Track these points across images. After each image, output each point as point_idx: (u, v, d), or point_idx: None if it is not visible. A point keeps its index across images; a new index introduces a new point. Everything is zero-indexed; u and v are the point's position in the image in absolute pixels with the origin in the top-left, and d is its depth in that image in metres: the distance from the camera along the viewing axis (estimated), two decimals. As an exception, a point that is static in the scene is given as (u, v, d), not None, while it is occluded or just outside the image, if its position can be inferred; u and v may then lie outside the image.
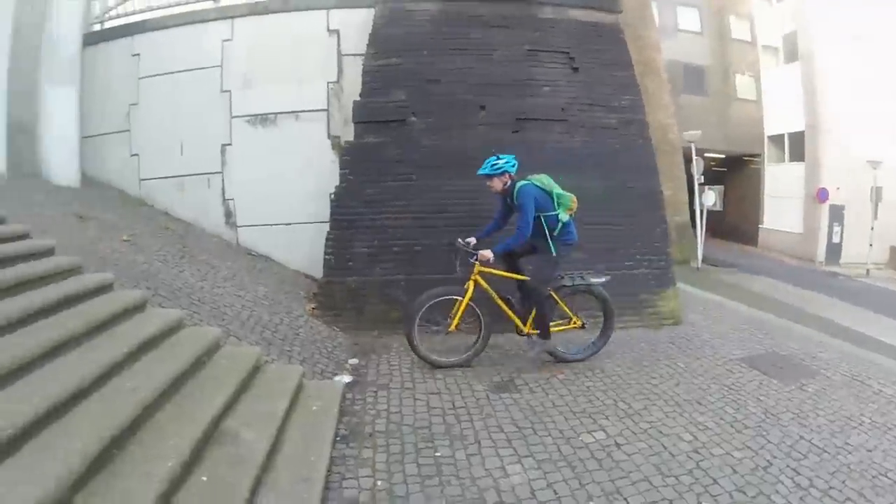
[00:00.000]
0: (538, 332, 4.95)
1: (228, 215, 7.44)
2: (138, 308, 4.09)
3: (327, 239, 6.24)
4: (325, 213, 6.47)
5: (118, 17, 8.42)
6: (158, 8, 8.11)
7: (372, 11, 6.93)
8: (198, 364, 3.60)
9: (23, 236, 4.62)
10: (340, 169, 6.38)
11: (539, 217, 4.65)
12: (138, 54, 7.75)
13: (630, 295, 6.20)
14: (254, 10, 7.41)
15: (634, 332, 6.01)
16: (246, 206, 7.38)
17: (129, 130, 7.77)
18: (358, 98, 6.55)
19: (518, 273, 4.95)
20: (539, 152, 6.26)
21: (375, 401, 4.20)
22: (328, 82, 7.18)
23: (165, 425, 2.80)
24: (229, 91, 7.32)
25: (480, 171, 4.81)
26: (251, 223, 7.39)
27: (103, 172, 7.91)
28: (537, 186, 4.71)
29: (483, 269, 4.79)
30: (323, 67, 7.18)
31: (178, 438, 2.68)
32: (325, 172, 6.86)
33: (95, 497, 2.19)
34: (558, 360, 5.06)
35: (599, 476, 3.19)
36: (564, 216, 4.72)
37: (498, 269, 4.89)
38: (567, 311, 5.07)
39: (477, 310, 4.88)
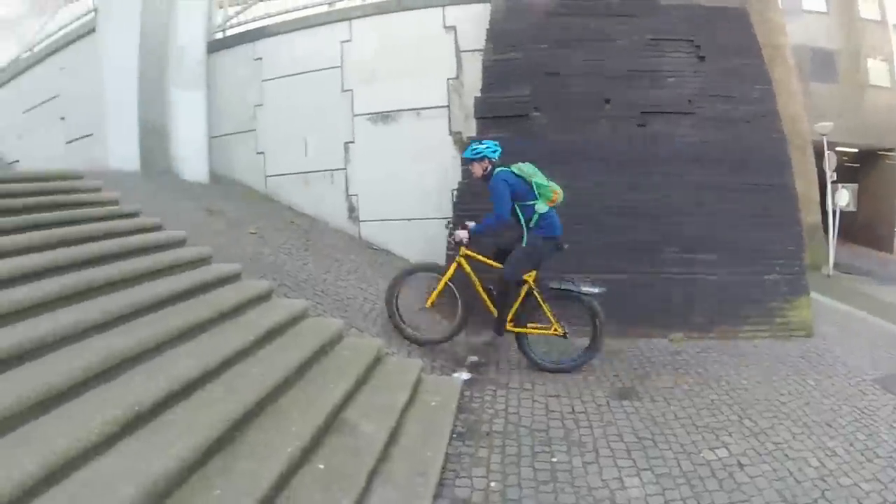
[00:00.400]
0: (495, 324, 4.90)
1: (351, 210, 7.71)
2: (264, 298, 4.31)
3: (448, 235, 6.24)
4: (447, 208, 6.62)
5: (239, 24, 8.98)
6: (277, 14, 8.60)
7: (488, 6, 6.96)
8: (321, 353, 3.72)
9: (156, 228, 4.98)
10: (462, 165, 6.42)
11: (514, 205, 4.58)
12: (261, 58, 8.21)
13: (758, 302, 5.87)
14: (370, 11, 7.67)
15: (762, 344, 5.64)
16: (368, 201, 7.63)
17: (254, 130, 8.25)
18: (478, 94, 6.59)
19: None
20: (667, 147, 6.10)
21: (494, 400, 4.19)
22: (448, 79, 7.28)
23: (287, 411, 2.92)
24: (351, 90, 7.61)
25: (463, 154, 4.95)
26: (373, 218, 7.62)
27: (231, 170, 8.42)
28: (514, 174, 4.65)
29: (469, 252, 4.83)
30: (441, 64, 7.30)
31: (299, 425, 2.78)
32: (446, 169, 7.02)
33: (215, 475, 2.31)
34: (532, 365, 4.82)
35: (719, 498, 3.02)
36: (543, 207, 4.58)
37: (485, 256, 4.85)
38: (549, 314, 4.80)
39: (455, 291, 4.94)
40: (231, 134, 8.48)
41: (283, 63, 8.06)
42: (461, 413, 3.86)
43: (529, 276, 4.72)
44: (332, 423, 3.02)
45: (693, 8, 6.74)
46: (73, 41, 8.31)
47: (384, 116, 7.46)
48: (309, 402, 3.03)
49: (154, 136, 7.98)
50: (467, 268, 4.86)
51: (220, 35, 8.99)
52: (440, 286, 4.94)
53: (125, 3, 7.62)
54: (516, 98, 6.44)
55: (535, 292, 4.75)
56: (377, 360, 3.97)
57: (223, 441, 2.48)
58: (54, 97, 8.58)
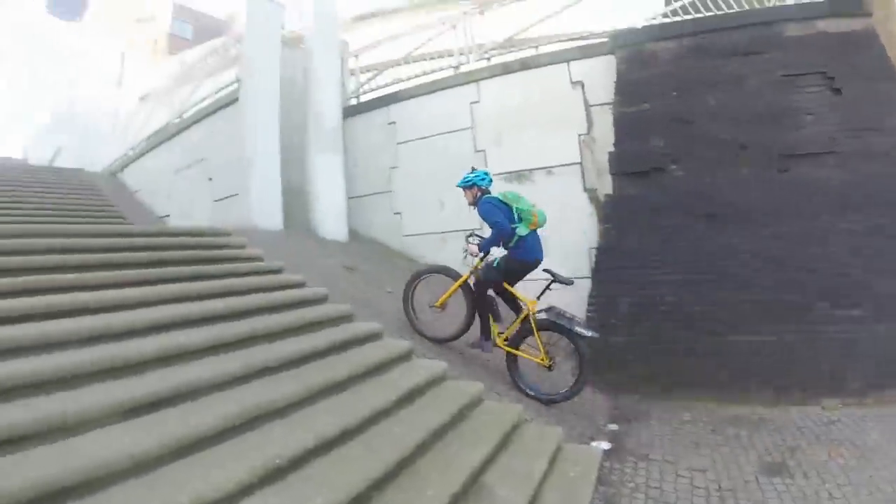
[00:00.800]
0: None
1: None
2: (404, 358, 4.43)
3: (589, 295, 6.31)
4: (583, 267, 6.62)
5: (371, 91, 9.76)
6: (408, 79, 9.24)
7: (612, 58, 7.07)
8: (459, 417, 3.74)
9: (299, 285, 5.28)
10: (600, 223, 6.51)
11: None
12: (394, 122, 8.88)
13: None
14: (496, 72, 8.04)
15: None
16: None
17: (391, 191, 8.88)
18: (612, 149, 6.70)
19: (512, 291, 5.30)
20: (812, 191, 5.84)
21: (634, 472, 4.08)
22: (579, 134, 7.37)
23: (425, 473, 2.94)
24: (483, 150, 7.96)
25: (457, 185, 5.56)
26: None
27: (369, 229, 9.09)
28: (500, 199, 5.22)
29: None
30: (571, 120, 7.42)
31: (437, 488, 2.80)
32: (581, 227, 7.03)
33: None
34: (515, 387, 5.09)
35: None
36: (524, 230, 5.07)
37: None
38: (539, 343, 5.05)
39: (464, 296, 5.37)
40: (368, 195, 9.16)
41: (416, 126, 8.60)
42: (601, 485, 3.77)
43: (532, 304, 5.13)
44: (469, 487, 3.00)
45: (818, 36, 6.44)
46: (219, 108, 9.35)
47: (518, 175, 7.62)
48: (447, 465, 3.05)
49: (296, 197, 8.75)
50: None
51: (354, 101, 9.83)
52: (451, 290, 5.42)
53: (265, 74, 8.55)
54: (651, 150, 6.47)
55: (531, 318, 5.06)
56: (516, 426, 3.94)
57: (361, 500, 2.51)
58: (202, 160, 9.59)
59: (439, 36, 9.17)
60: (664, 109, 6.61)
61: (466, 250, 5.35)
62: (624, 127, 6.74)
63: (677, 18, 7.18)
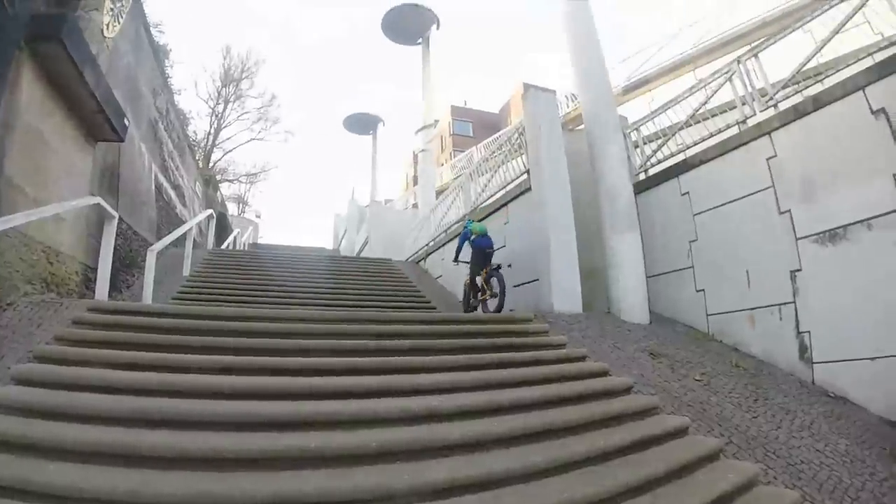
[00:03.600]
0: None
1: (803, 350, 7.11)
2: (711, 457, 4.34)
3: None
4: None
5: (658, 162, 9.97)
6: (694, 144, 9.23)
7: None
8: None
9: (603, 373, 5.58)
10: None
11: (468, 241, 9.78)
12: (687, 193, 8.97)
13: None
14: (788, 118, 7.43)
15: None
16: (822, 338, 6.95)
17: (691, 267, 8.87)
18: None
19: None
20: None
21: None
22: (893, 175, 6.32)
23: None
24: (788, 211, 7.35)
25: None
26: (828, 359, 6.88)
27: (670, 309, 9.17)
28: (467, 226, 10.08)
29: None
30: (879, 160, 6.43)
31: None
32: None
33: None
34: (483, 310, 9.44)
35: None
36: (473, 235, 9.66)
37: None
38: (487, 286, 9.42)
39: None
40: (668, 272, 9.30)
41: (711, 193, 8.53)
42: None
43: (484, 272, 9.44)
44: None
45: None
46: (513, 199, 10.53)
47: (831, 235, 6.83)
48: None
49: (594, 279, 9.37)
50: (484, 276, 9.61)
51: (642, 176, 10.17)
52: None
53: (552, 161, 9.45)
54: None
55: (483, 277, 9.45)
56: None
57: None
58: (501, 247, 10.61)
59: (716, 92, 8.98)
60: None
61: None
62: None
63: None
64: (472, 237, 9.47)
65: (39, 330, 5.22)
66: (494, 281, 9.09)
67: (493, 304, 9.02)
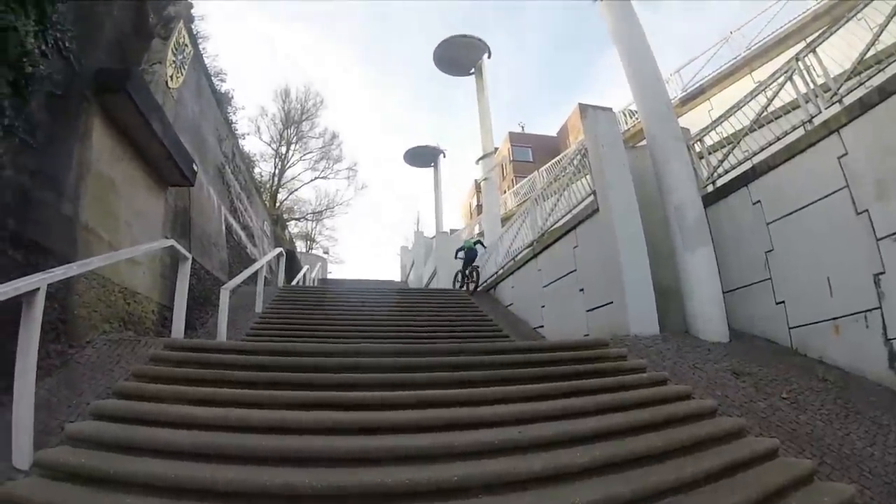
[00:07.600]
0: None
1: (892, 358, 6.66)
2: (805, 480, 4.22)
3: None
4: None
5: (725, 173, 9.79)
6: (761, 150, 9.01)
7: None
8: None
9: (686, 396, 5.51)
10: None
11: (464, 251, 17.66)
12: (758, 201, 8.78)
13: None
14: (855, 112, 7.16)
15: None
16: None
17: (769, 278, 8.62)
18: None
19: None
20: None
21: None
22: None
23: None
24: (866, 211, 6.99)
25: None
26: None
27: (749, 324, 8.94)
28: (463, 244, 18.48)
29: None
30: None
31: None
32: None
33: None
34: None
35: None
36: (463, 247, 17.91)
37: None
38: (468, 281, 16.73)
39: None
40: (744, 286, 9.08)
41: (783, 200, 8.29)
42: None
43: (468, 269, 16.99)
44: None
45: None
46: (581, 222, 10.53)
47: None
48: None
49: (669, 298, 9.24)
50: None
51: (710, 188, 10.04)
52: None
53: (617, 181, 9.49)
54: None
55: (467, 274, 16.94)
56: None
57: None
58: (571, 271, 10.80)
59: (777, 93, 8.82)
60: None
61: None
62: None
63: None
64: (465, 249, 17.48)
65: (118, 367, 5.63)
66: (475, 274, 16.59)
67: (472, 287, 16.47)
